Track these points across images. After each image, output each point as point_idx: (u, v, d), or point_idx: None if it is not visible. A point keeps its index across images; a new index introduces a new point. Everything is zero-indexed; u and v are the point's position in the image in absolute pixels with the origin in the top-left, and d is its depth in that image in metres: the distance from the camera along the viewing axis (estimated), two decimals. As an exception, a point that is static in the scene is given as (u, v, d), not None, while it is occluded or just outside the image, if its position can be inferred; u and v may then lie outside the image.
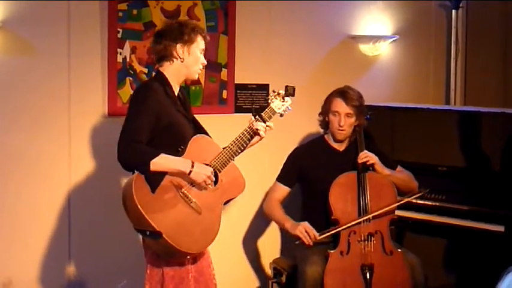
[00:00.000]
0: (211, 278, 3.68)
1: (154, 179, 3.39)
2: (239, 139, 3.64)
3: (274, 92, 3.80)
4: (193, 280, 3.56)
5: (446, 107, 5.70)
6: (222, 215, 3.57)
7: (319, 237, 4.20)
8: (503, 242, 4.49)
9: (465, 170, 4.86)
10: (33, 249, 4.40)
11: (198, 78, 4.77)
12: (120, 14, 4.53)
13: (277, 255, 5.05)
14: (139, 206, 3.31)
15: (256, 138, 3.73)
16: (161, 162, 3.37)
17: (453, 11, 5.85)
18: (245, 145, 3.67)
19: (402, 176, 4.53)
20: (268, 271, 4.81)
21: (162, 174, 3.40)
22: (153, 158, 3.34)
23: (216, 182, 3.56)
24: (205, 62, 3.68)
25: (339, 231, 4.19)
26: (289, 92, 3.82)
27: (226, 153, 3.60)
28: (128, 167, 3.42)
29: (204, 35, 3.63)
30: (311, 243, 4.20)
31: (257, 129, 3.68)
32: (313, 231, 4.20)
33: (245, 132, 3.66)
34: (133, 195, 3.32)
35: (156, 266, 3.54)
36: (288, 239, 4.95)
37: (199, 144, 3.58)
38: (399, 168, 4.59)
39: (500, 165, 4.74)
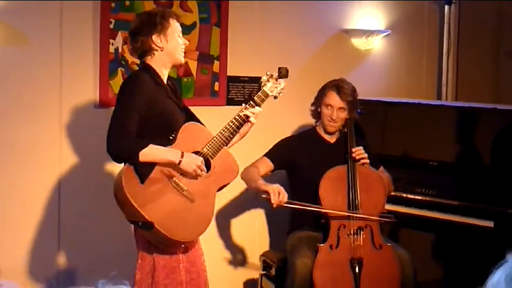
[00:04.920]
0: (203, 269, 3.67)
1: (144, 170, 3.38)
2: (230, 124, 3.61)
3: (267, 74, 3.76)
4: (185, 270, 3.55)
5: (438, 102, 5.71)
6: (212, 207, 3.58)
7: (284, 203, 4.06)
8: (493, 237, 4.50)
9: (456, 165, 4.87)
10: (22, 238, 4.39)
11: (190, 70, 4.79)
12: (113, 4, 4.51)
13: (267, 248, 5.05)
14: (129, 198, 3.31)
15: (247, 125, 3.70)
16: (150, 152, 3.36)
17: (446, 6, 5.88)
18: (237, 130, 3.64)
19: (384, 177, 4.51)
20: (258, 264, 4.81)
21: (151, 165, 3.39)
22: (142, 149, 3.34)
23: (208, 169, 3.55)
24: (187, 42, 3.63)
25: (306, 209, 4.16)
26: (283, 73, 3.79)
27: (217, 140, 3.57)
28: (118, 158, 3.43)
29: (176, 17, 3.59)
30: (274, 205, 4.02)
31: (246, 115, 3.66)
32: (284, 195, 4.04)
33: (236, 117, 3.64)
34: (123, 187, 3.32)
35: (148, 255, 3.53)
36: (278, 232, 4.96)
37: (190, 131, 3.57)
38: (381, 168, 4.60)
39: (491, 160, 4.75)
